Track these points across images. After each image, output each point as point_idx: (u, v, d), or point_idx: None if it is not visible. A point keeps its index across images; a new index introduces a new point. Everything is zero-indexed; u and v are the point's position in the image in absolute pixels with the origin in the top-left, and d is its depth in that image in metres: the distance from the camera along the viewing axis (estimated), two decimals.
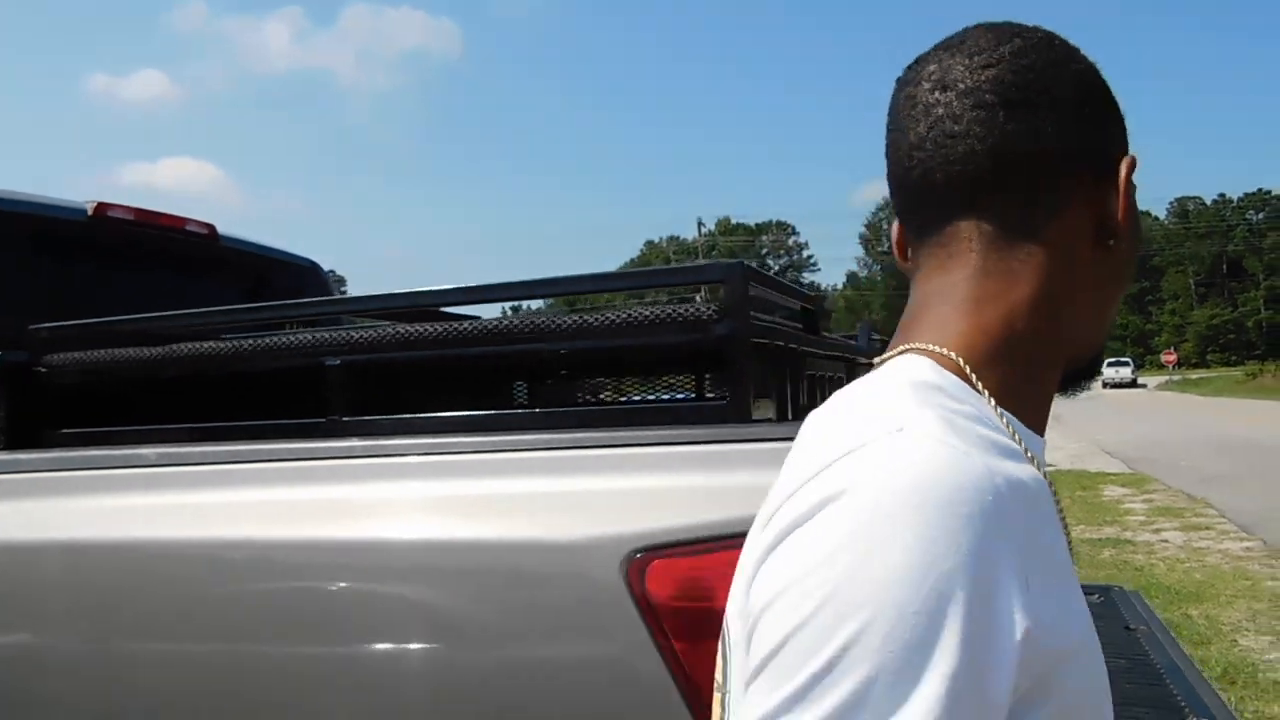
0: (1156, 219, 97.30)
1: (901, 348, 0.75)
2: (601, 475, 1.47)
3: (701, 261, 1.42)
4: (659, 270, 1.31)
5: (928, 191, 0.77)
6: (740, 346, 1.46)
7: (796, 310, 2.07)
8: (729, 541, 1.41)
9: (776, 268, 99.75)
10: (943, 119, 0.75)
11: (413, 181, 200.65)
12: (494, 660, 1.43)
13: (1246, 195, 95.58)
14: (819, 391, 2.23)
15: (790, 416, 1.70)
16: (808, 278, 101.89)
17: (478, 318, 1.94)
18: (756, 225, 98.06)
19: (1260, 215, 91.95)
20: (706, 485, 1.42)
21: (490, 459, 1.50)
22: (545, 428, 1.57)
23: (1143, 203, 0.83)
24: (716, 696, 0.77)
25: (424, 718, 1.50)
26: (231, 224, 3.25)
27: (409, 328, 1.73)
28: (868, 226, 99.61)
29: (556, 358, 1.69)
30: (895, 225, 0.85)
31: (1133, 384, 45.77)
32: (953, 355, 0.72)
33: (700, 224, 72.27)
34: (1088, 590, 3.19)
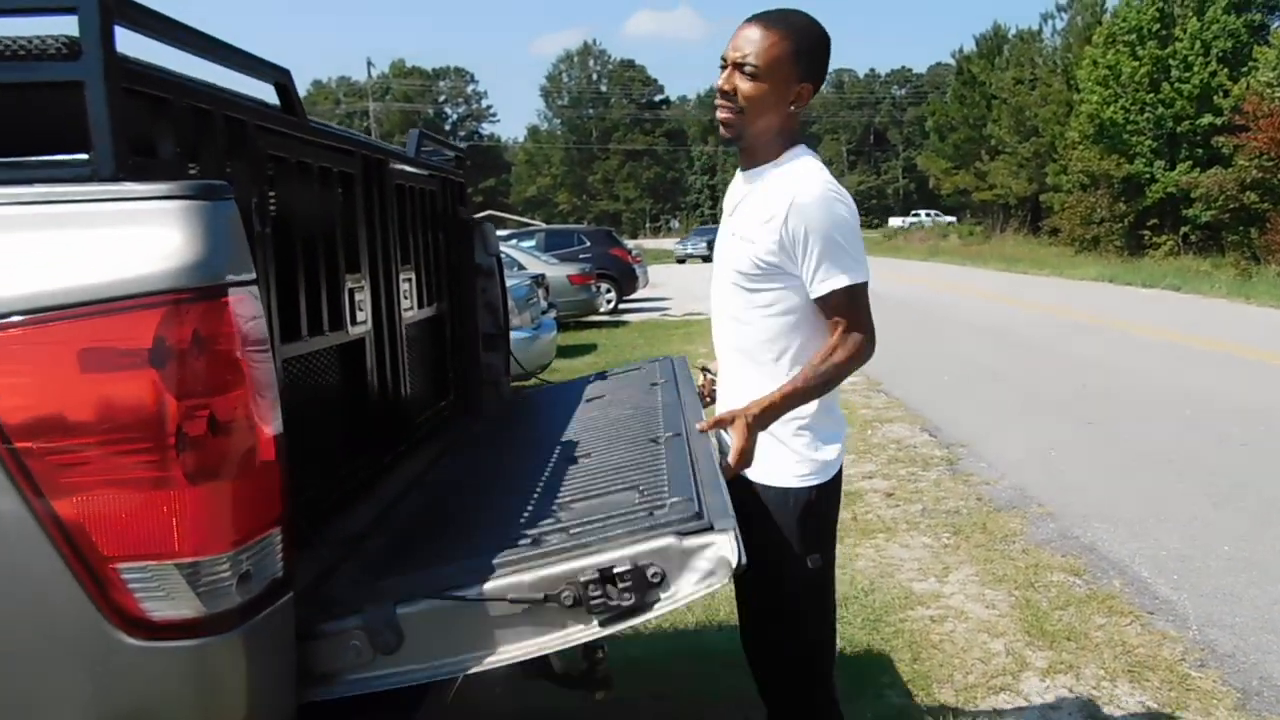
0: None
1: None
2: None
3: None
4: None
5: None
6: (100, 91, 1.20)
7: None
8: (80, 310, 1.16)
9: (455, 116, 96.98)
10: None
11: None
12: None
13: (892, 71, 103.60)
14: (304, 175, 1.97)
15: (233, 191, 1.40)
16: (487, 128, 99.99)
17: None
18: (434, 70, 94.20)
19: (902, 91, 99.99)
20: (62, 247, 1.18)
21: None
22: None
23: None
24: None
25: None
26: None
27: None
28: (549, 79, 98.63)
29: None
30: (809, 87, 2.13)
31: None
32: None
33: (370, 64, 68.42)
34: (647, 362, 3.54)
